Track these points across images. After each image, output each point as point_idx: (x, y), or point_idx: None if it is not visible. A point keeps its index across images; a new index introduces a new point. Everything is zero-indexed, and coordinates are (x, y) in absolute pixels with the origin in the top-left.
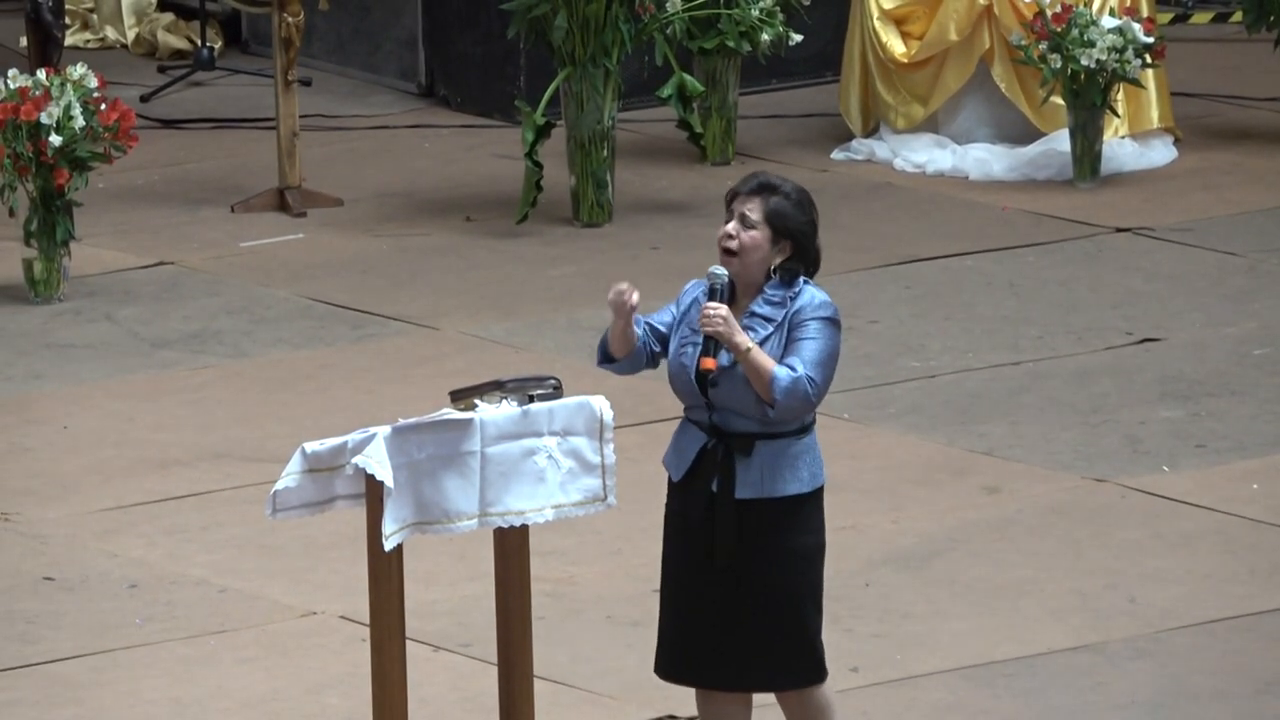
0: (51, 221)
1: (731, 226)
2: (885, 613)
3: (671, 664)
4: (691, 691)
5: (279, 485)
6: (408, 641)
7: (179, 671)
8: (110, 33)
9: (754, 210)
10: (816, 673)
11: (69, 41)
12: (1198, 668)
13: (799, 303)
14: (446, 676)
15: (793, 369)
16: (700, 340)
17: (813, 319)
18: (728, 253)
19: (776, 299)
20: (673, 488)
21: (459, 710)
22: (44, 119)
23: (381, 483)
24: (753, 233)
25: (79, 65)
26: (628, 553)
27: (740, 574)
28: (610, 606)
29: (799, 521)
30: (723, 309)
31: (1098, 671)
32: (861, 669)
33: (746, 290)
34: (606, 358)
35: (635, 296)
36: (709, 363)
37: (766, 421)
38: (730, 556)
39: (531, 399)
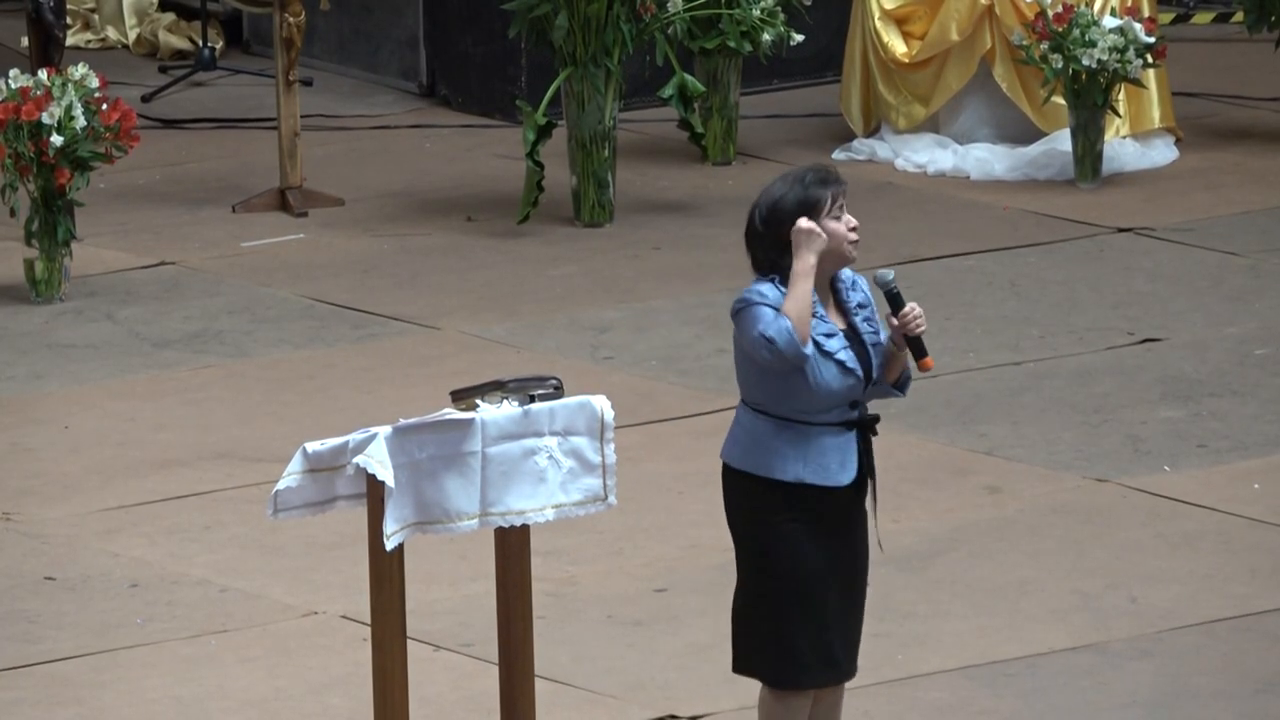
0: (53, 221)
1: (853, 220)
2: (886, 612)
3: (818, 670)
4: (692, 692)
5: (280, 485)
6: (409, 641)
7: (180, 671)
8: (111, 33)
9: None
10: None
11: (70, 41)
12: (1199, 668)
13: (853, 279)
14: (448, 676)
15: None
16: (847, 341)
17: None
18: (853, 245)
19: (847, 281)
20: (814, 494)
21: (460, 710)
22: (45, 119)
23: (383, 483)
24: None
25: (80, 65)
26: (629, 552)
27: (859, 556)
28: (611, 606)
29: None
30: (919, 307)
31: (1099, 671)
32: (863, 668)
33: (821, 283)
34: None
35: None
36: (931, 362)
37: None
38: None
39: (532, 399)
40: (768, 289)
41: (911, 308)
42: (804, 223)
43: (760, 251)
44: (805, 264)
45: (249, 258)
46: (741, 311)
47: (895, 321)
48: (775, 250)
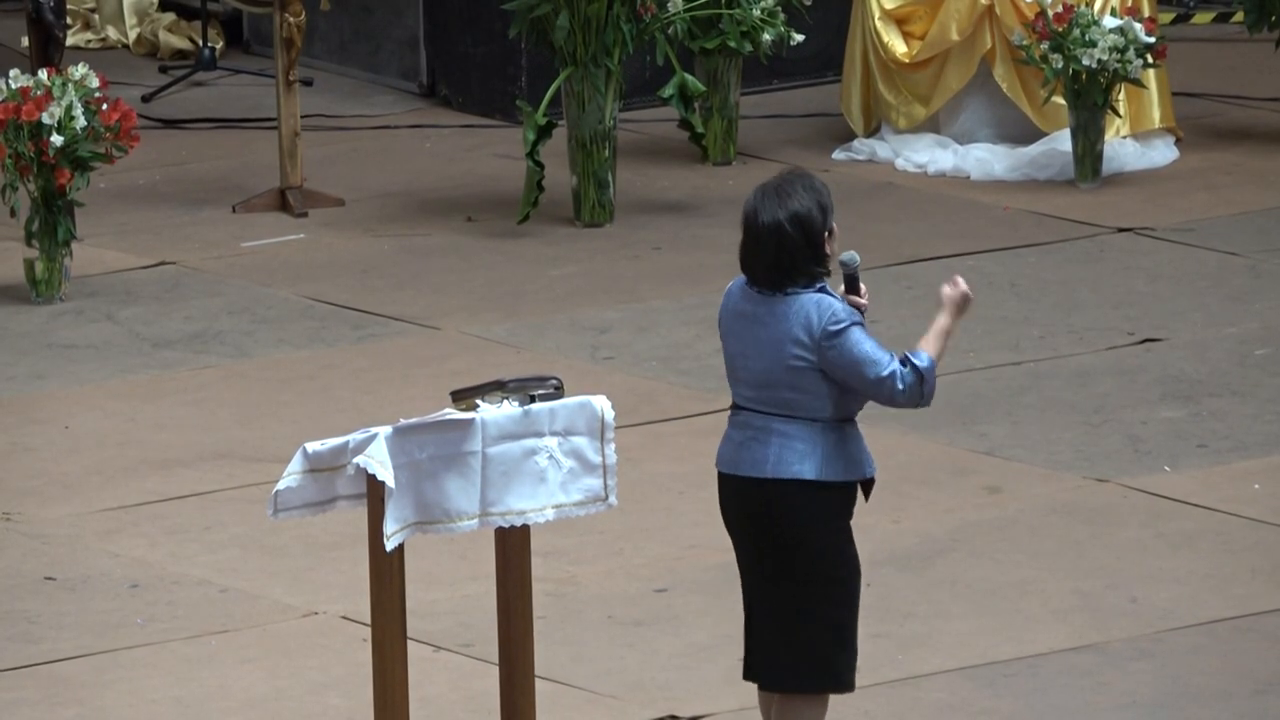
0: (53, 221)
1: None
2: (887, 612)
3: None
4: (692, 692)
5: (280, 485)
6: (409, 641)
7: (181, 671)
8: (112, 33)
9: None
10: None
11: (70, 41)
12: (1199, 668)
13: None
14: (448, 676)
15: None
16: None
17: None
18: None
19: None
20: (854, 487)
21: (460, 710)
22: (45, 119)
23: (383, 483)
24: None
25: (80, 65)
26: (629, 553)
27: None
28: (611, 606)
29: None
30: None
31: (1099, 671)
32: (863, 669)
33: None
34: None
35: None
36: None
37: None
38: None
39: (533, 399)
40: (839, 303)
41: (865, 290)
42: (965, 285)
43: (804, 264)
44: (951, 324)
45: (249, 258)
46: (846, 332)
47: (861, 301)
48: (815, 261)
